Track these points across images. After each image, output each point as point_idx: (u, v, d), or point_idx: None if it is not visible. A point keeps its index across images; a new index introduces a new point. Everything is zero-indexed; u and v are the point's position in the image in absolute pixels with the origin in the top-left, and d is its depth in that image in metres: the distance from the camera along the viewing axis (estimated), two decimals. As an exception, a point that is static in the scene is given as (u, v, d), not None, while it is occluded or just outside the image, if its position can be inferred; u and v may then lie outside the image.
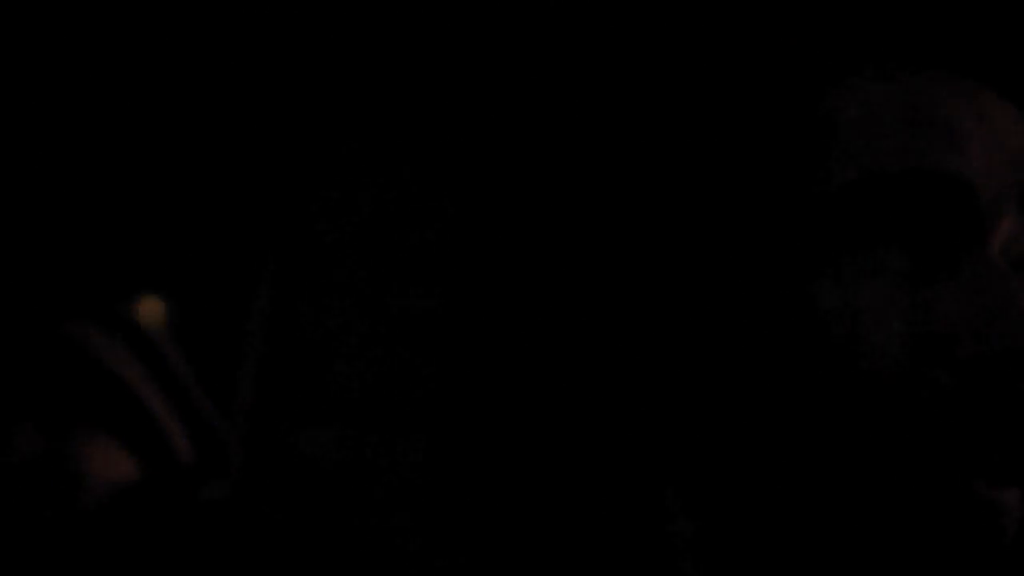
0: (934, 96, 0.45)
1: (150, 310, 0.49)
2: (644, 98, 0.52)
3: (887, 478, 0.43)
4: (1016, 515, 0.42)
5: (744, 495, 0.46)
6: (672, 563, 0.45)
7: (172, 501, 0.41)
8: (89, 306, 0.42)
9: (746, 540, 0.46)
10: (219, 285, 1.49)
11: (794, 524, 0.46)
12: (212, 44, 1.56)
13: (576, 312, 0.50)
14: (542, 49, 0.54)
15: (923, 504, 0.42)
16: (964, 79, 0.46)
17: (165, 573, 0.41)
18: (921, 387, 0.42)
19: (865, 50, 0.47)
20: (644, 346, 0.49)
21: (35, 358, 0.41)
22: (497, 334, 0.48)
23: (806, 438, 0.44)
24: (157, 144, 1.56)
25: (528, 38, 0.56)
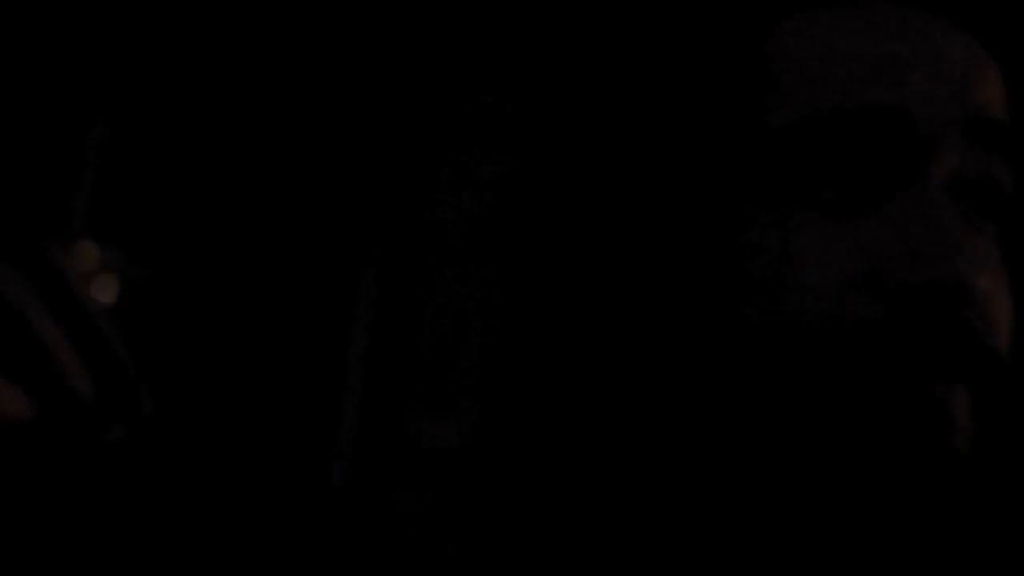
0: (877, 29, 0.45)
1: (84, 253, 0.47)
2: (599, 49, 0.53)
3: (829, 410, 0.43)
4: (965, 412, 0.43)
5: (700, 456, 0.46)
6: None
7: (68, 440, 0.39)
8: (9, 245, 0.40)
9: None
10: (319, 272, 1.51)
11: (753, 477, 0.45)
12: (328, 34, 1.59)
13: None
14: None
15: (869, 416, 0.42)
16: (916, 10, 0.46)
17: (55, 511, 0.41)
18: (852, 321, 0.42)
19: None
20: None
21: None
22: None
23: (748, 380, 0.44)
24: (261, 132, 1.60)
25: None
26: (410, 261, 1.32)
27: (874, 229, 0.43)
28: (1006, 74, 0.48)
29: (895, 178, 0.44)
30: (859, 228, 0.44)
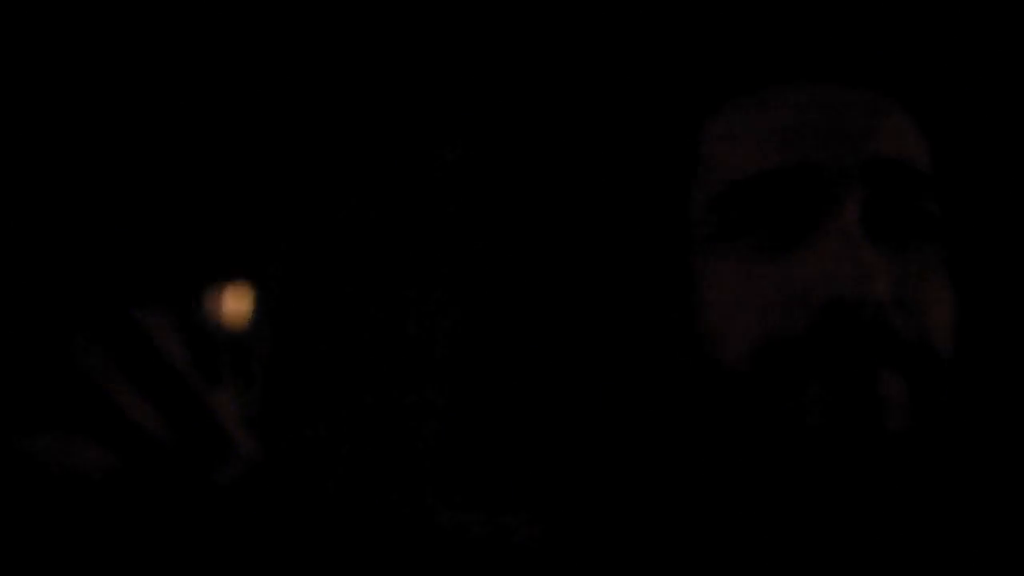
0: (788, 107, 0.54)
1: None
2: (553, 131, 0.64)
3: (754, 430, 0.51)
4: (897, 392, 0.50)
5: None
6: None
7: (152, 485, 0.43)
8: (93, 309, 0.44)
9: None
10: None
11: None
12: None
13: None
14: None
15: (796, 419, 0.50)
16: (821, 86, 0.55)
17: (150, 557, 0.44)
18: (779, 339, 0.51)
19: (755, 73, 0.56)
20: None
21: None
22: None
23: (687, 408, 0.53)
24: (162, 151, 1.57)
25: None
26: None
27: (794, 265, 0.52)
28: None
29: (810, 222, 0.52)
30: (780, 266, 0.52)
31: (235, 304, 0.46)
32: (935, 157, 0.57)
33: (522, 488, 0.58)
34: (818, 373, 0.50)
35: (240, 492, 0.46)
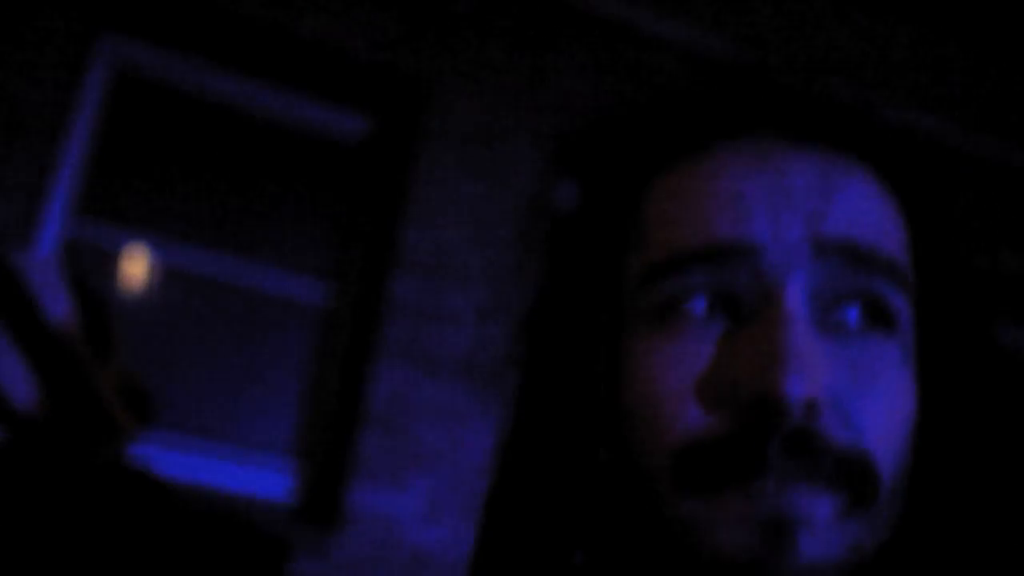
0: (732, 173, 0.48)
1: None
2: None
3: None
4: (824, 522, 0.44)
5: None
6: None
7: (36, 458, 0.42)
8: None
9: None
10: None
11: None
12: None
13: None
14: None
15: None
16: (778, 147, 0.49)
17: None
18: (707, 436, 0.45)
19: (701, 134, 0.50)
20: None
21: None
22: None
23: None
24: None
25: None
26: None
27: (728, 355, 0.45)
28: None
29: (749, 306, 0.46)
30: (712, 356, 0.46)
31: (132, 268, 0.44)
32: (914, 236, 0.50)
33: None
34: (736, 485, 0.43)
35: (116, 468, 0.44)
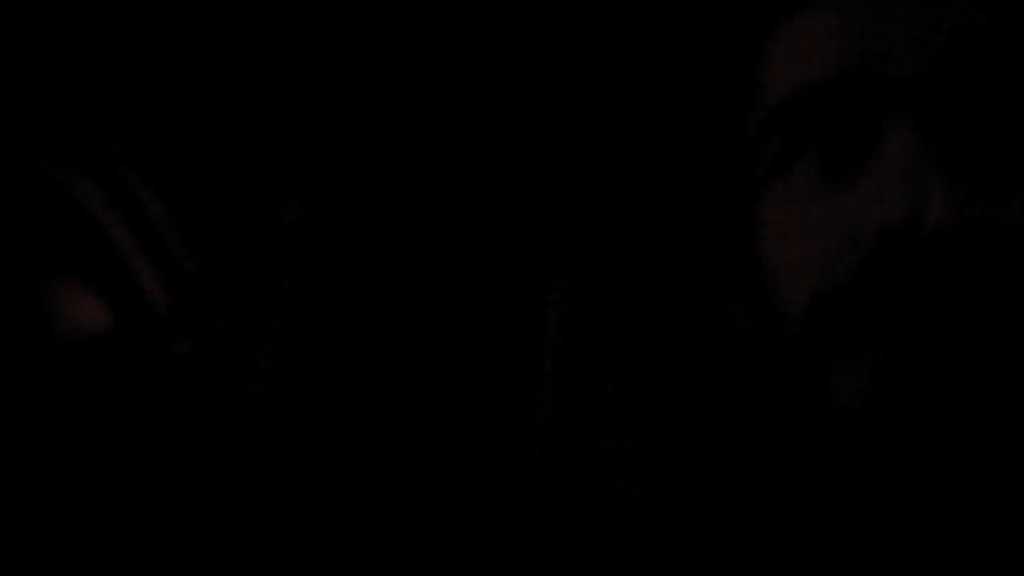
0: (855, 8, 0.44)
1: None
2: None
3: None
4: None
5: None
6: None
7: (143, 353, 0.40)
8: (67, 146, 0.40)
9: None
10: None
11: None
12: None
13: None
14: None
15: None
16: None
17: (128, 426, 0.42)
18: (824, 309, 0.42)
19: None
20: None
21: (8, 198, 0.40)
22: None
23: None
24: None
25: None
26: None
27: (846, 197, 0.43)
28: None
29: (866, 144, 0.43)
30: (832, 200, 0.44)
31: None
32: None
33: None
34: (867, 339, 0.41)
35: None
